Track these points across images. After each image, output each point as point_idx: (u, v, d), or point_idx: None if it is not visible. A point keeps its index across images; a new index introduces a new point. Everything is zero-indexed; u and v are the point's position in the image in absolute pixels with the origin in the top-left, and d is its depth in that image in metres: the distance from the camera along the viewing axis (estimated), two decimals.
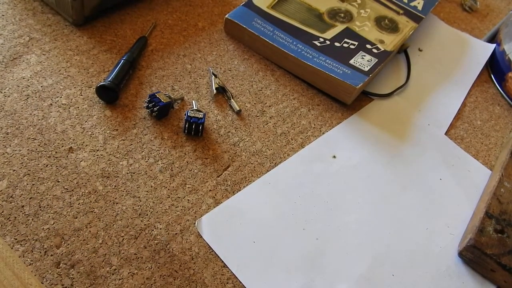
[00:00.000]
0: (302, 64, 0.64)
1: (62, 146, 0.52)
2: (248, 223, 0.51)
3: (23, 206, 0.47)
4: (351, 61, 0.65)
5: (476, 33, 0.85)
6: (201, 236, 0.49)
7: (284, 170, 0.56)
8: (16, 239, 0.45)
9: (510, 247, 0.52)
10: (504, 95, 0.75)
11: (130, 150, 0.54)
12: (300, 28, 0.68)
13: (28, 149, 0.51)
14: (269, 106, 0.62)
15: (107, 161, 0.52)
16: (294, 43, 0.66)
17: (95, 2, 0.63)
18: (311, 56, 0.64)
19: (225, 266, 0.47)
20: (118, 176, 0.51)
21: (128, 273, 0.45)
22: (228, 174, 0.54)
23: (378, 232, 0.53)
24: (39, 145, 0.51)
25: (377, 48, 0.68)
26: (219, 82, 0.62)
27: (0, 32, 0.60)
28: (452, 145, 0.65)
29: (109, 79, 0.56)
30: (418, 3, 0.78)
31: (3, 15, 0.62)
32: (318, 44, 0.66)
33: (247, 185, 0.54)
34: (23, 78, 0.57)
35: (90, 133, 0.54)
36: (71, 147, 0.52)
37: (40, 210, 0.47)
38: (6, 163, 0.49)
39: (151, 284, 0.45)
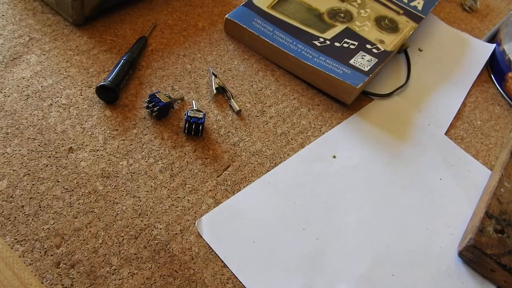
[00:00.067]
0: (302, 64, 0.64)
1: (62, 146, 0.52)
2: (248, 223, 0.51)
3: (23, 206, 0.47)
4: (351, 61, 0.65)
5: (476, 33, 0.85)
6: (201, 236, 0.49)
7: (284, 170, 0.56)
8: (16, 239, 0.45)
9: (510, 247, 0.52)
10: (504, 95, 0.75)
11: (130, 150, 0.54)
12: (300, 28, 0.68)
13: (28, 149, 0.51)
14: (269, 106, 0.62)
15: (107, 161, 0.52)
16: (294, 43, 0.66)
17: (95, 2, 0.63)
18: (311, 56, 0.64)
19: (225, 266, 0.47)
20: (118, 176, 0.51)
21: (128, 273, 0.45)
22: (228, 174, 0.54)
23: (378, 232, 0.53)
24: (39, 145, 0.51)
25: (377, 48, 0.68)
26: (219, 82, 0.62)
27: (0, 32, 0.60)
28: (452, 145, 0.65)
29: (109, 79, 0.56)
30: (418, 3, 0.77)
31: (3, 15, 0.62)
32: (318, 44, 0.66)
33: (247, 185, 0.54)
34: (23, 78, 0.57)
35: (90, 133, 0.54)
36: (71, 147, 0.52)
37: (40, 210, 0.47)
38: (6, 163, 0.49)
39: (151, 284, 0.45)
